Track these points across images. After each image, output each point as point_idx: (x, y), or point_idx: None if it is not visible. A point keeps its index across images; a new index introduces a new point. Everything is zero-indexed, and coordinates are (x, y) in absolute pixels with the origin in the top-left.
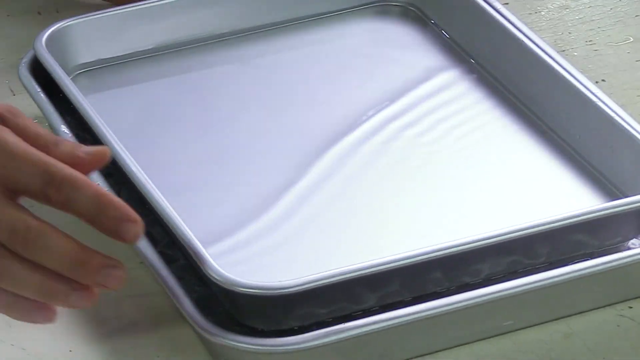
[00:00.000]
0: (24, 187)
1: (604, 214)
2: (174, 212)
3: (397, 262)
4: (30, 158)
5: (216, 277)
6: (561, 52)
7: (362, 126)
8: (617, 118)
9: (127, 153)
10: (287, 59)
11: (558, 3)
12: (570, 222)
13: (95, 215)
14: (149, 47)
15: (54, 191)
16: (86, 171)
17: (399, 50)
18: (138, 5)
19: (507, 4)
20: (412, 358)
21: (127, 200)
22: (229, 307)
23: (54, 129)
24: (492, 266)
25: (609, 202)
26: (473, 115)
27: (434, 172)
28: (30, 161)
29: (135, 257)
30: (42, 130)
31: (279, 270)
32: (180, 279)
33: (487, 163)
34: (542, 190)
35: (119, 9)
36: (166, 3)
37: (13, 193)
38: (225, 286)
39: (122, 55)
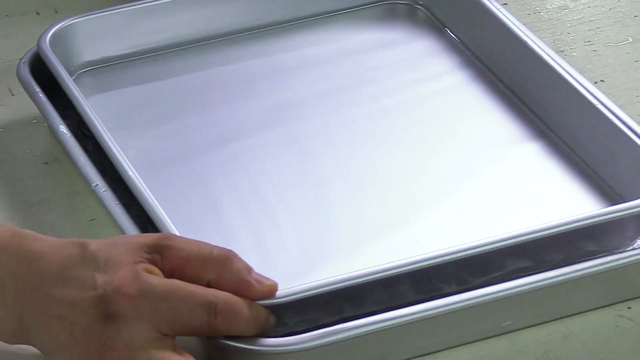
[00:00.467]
0: (189, 326)
1: (605, 219)
2: (165, 216)
3: (384, 271)
4: (185, 294)
5: None
6: (560, 52)
7: (367, 126)
8: (615, 119)
9: (126, 159)
10: (292, 58)
11: (557, 3)
12: (570, 228)
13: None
14: (154, 46)
15: (221, 319)
16: (252, 298)
17: (404, 49)
18: (143, 4)
19: (505, 4)
20: (411, 358)
21: (121, 197)
22: None
23: (53, 129)
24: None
25: (606, 203)
26: (469, 114)
27: (431, 172)
28: (187, 297)
29: None
30: (206, 247)
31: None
32: None
33: (484, 165)
34: (539, 192)
35: (124, 7)
36: (171, 1)
37: (171, 337)
38: None
39: (126, 54)
